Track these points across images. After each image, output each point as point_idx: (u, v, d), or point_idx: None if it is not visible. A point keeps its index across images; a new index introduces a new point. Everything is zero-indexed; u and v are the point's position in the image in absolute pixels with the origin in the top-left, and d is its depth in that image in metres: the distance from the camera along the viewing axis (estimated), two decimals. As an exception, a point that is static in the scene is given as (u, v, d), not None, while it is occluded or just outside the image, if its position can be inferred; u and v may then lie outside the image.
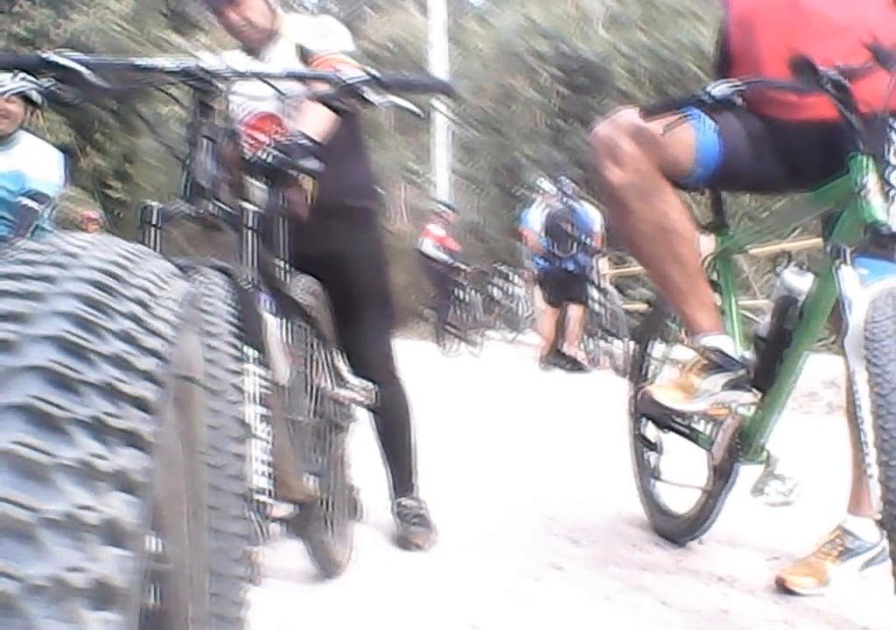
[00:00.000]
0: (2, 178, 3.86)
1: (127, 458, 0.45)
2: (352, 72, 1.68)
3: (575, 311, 8.21)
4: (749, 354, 1.90)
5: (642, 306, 11.98)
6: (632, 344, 7.60)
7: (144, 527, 0.45)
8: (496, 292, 12.98)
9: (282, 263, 1.95)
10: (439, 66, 18.48)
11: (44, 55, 1.56)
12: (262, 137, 2.28)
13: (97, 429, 0.44)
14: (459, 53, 20.02)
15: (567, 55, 16.54)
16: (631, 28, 16.58)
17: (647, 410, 2.09)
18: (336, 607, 1.97)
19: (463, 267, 11.45)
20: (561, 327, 8.29)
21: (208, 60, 1.62)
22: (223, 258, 1.47)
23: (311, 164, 2.04)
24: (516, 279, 13.38)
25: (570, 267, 8.23)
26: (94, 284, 0.52)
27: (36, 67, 1.56)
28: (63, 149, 4.30)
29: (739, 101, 1.60)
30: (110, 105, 16.05)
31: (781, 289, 1.88)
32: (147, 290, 0.58)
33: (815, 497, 2.05)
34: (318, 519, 1.98)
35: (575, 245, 8.24)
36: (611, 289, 8.31)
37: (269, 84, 1.72)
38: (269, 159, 1.93)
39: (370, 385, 2.28)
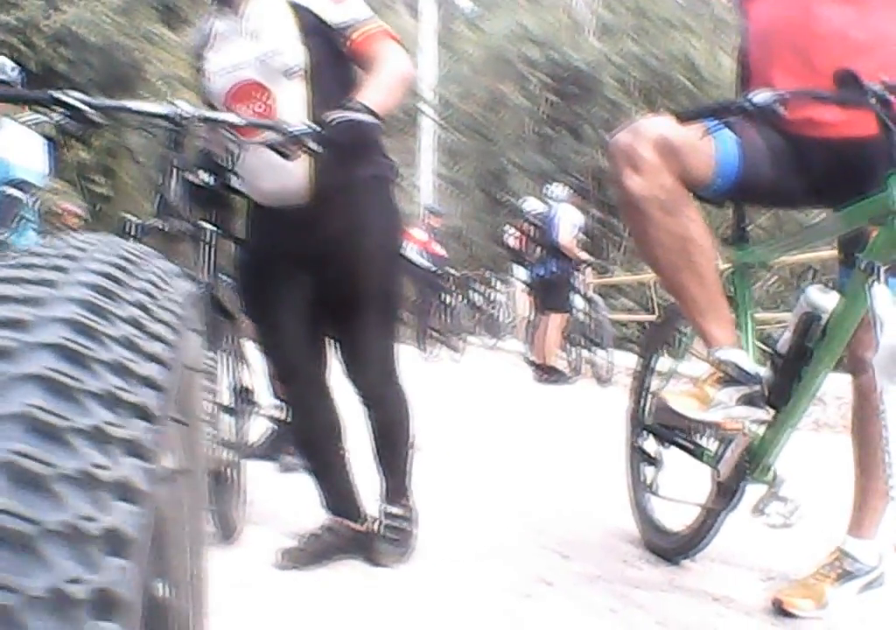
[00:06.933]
0: (-17, 165, 3.77)
1: (129, 468, 0.44)
2: (299, 124, 1.96)
3: (554, 321, 7.94)
4: (764, 371, 1.86)
5: (624, 316, 11.99)
6: (616, 353, 7.61)
7: (146, 537, 0.45)
8: (478, 298, 12.94)
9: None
10: (429, 70, 18.49)
11: (55, 94, 1.92)
12: (245, 113, 2.15)
13: (98, 438, 0.43)
14: (449, 58, 20.04)
15: (557, 63, 16.59)
16: (622, 38, 16.65)
17: (658, 418, 2.04)
18: (322, 620, 1.92)
19: (451, 272, 11.39)
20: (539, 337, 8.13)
21: (184, 107, 2.01)
22: (180, 264, 1.78)
23: (241, 186, 2.32)
24: (499, 285, 13.39)
25: (542, 272, 8.13)
26: (94, 288, 0.52)
27: (48, 103, 1.90)
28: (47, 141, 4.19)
29: (781, 109, 1.56)
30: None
31: (804, 305, 1.84)
32: (148, 293, 0.58)
33: (804, 516, 2.00)
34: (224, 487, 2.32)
35: (544, 251, 8.17)
36: (597, 298, 8.26)
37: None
38: (208, 181, 2.20)
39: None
